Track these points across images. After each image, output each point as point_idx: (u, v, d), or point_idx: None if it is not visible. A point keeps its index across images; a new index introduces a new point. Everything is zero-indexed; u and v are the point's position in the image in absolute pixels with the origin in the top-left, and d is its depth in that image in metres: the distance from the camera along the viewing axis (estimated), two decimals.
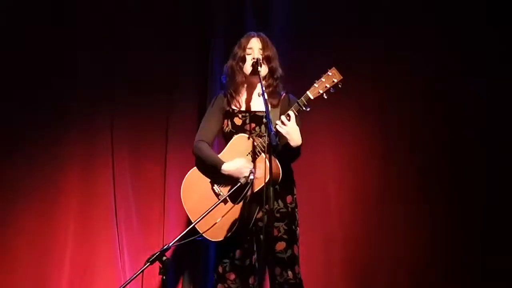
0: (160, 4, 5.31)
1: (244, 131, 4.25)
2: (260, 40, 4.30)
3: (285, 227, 4.23)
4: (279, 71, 4.29)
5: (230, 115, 4.32)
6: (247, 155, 4.16)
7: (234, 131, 4.27)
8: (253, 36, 4.32)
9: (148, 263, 3.76)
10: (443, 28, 5.28)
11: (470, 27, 5.26)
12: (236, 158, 4.18)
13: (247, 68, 4.27)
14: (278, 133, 4.03)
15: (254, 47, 4.27)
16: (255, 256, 4.25)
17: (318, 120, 5.16)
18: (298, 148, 4.12)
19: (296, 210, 4.30)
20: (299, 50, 5.25)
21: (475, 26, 5.26)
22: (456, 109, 5.27)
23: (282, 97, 4.31)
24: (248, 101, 4.33)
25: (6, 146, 5.16)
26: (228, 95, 4.34)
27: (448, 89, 5.27)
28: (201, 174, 4.27)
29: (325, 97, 4.06)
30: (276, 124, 4.03)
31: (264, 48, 4.27)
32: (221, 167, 4.17)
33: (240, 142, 4.21)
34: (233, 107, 4.32)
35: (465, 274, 5.21)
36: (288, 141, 4.08)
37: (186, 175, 4.31)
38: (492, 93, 5.25)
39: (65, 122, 5.21)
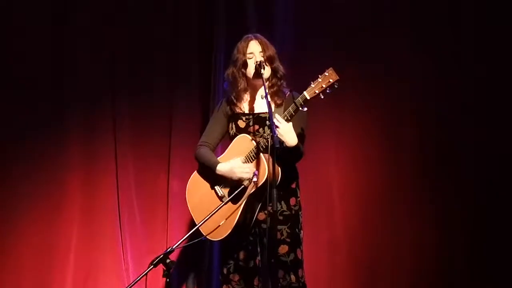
0: (161, 4, 5.31)
1: (247, 133, 4.23)
2: (259, 42, 4.26)
3: (288, 230, 4.20)
4: (282, 69, 4.28)
5: (234, 118, 4.31)
6: (248, 154, 4.15)
7: (238, 133, 4.26)
8: (251, 39, 4.28)
9: (152, 266, 3.75)
10: (443, 28, 5.28)
11: (470, 27, 5.27)
12: (232, 159, 4.18)
13: (250, 72, 4.24)
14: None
15: (255, 51, 4.24)
16: (259, 258, 4.25)
17: (322, 122, 5.16)
18: (295, 148, 4.09)
19: (300, 213, 4.29)
20: (301, 50, 5.25)
21: (475, 26, 5.27)
22: (456, 109, 5.27)
23: (287, 95, 4.28)
24: (251, 103, 4.32)
25: (8, 148, 5.17)
26: (232, 101, 4.32)
27: (448, 89, 5.27)
28: (203, 176, 4.28)
29: (322, 97, 4.04)
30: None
31: (264, 49, 4.24)
32: (216, 168, 4.18)
33: (242, 142, 4.21)
34: (237, 111, 4.31)
35: (468, 274, 5.21)
36: (284, 142, 4.05)
37: (191, 176, 4.33)
38: (492, 93, 5.25)
39: (66, 125, 5.20)
